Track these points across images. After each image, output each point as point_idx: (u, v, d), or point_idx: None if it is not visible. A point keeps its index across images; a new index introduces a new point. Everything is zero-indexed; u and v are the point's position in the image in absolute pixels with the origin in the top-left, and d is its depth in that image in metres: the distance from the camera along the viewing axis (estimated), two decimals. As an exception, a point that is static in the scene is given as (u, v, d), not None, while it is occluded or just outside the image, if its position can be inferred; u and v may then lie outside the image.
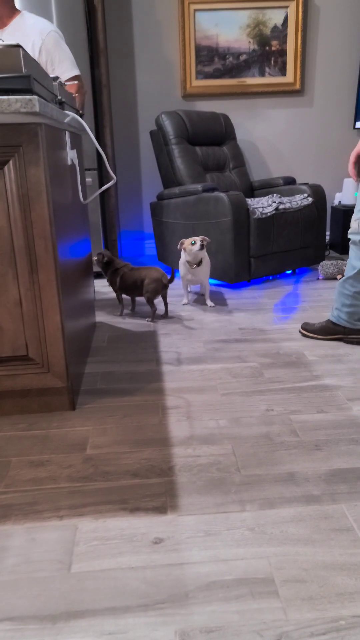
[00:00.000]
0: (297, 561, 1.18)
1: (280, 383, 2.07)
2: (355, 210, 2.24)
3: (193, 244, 2.86)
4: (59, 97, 1.67)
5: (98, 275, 3.77)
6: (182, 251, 2.96)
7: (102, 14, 3.38)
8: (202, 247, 2.83)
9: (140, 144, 4.28)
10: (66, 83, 2.61)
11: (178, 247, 2.97)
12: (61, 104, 1.73)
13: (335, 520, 1.31)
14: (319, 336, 2.48)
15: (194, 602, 1.08)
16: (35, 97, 1.15)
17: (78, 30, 3.18)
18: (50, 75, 2.53)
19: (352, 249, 2.29)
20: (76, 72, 2.64)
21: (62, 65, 2.60)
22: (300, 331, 2.57)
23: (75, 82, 2.66)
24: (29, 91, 1.26)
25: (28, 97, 1.16)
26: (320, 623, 1.03)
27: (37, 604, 1.08)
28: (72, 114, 1.79)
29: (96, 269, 3.61)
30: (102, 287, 3.54)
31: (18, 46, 1.21)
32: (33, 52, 2.50)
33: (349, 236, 2.30)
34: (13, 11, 2.49)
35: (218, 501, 1.39)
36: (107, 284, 3.13)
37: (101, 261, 2.89)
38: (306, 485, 1.45)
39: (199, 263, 2.95)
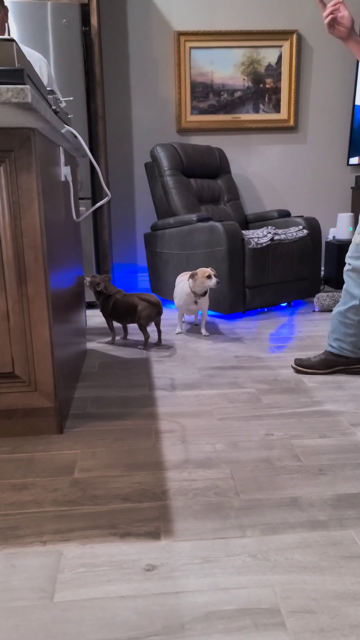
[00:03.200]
0: (305, 590, 1.06)
1: (279, 408, 1.98)
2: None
3: (209, 277, 2.79)
4: (54, 108, 1.64)
5: (90, 306, 3.69)
6: (187, 281, 2.89)
7: (99, 48, 3.42)
8: (218, 282, 2.77)
9: (134, 177, 4.29)
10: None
11: (188, 278, 2.88)
12: (56, 114, 1.69)
13: (345, 546, 1.20)
14: (318, 371, 2.34)
15: (191, 635, 0.96)
16: (27, 87, 1.11)
17: (75, 61, 3.20)
18: None
19: (350, 276, 2.21)
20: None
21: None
22: (294, 367, 2.37)
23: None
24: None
25: (20, 86, 1.11)
26: (334, 658, 0.91)
27: (14, 636, 0.96)
28: (67, 127, 1.75)
29: (89, 298, 3.54)
30: (94, 317, 3.46)
31: (12, 40, 1.17)
32: (41, 76, 2.56)
33: (347, 260, 2.22)
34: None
35: (216, 526, 1.28)
36: (100, 312, 3.05)
37: (94, 285, 2.80)
38: (311, 511, 1.34)
39: (204, 293, 2.89)
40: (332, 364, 2.33)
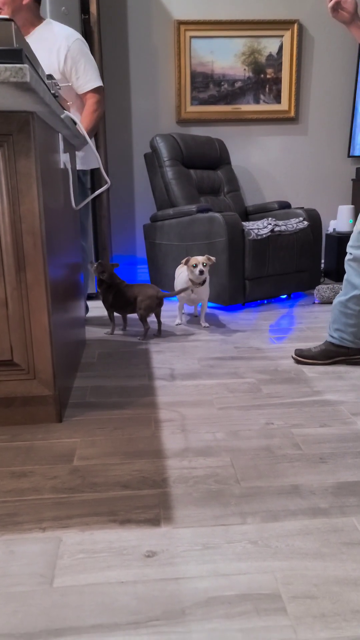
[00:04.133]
0: (306, 576, 1.06)
1: (279, 398, 1.97)
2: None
3: (195, 266, 2.77)
4: (52, 92, 1.62)
5: (90, 297, 3.68)
6: (185, 270, 2.87)
7: (98, 36, 3.40)
8: (201, 272, 2.75)
9: (134, 167, 4.26)
10: (87, 93, 2.58)
11: (182, 262, 2.87)
12: (55, 99, 1.67)
13: (346, 533, 1.19)
14: (318, 361, 2.33)
15: (192, 619, 0.95)
16: (26, 66, 1.09)
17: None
18: (74, 83, 2.47)
19: (352, 266, 2.19)
20: (100, 83, 2.60)
21: (87, 74, 2.54)
22: (294, 358, 2.36)
23: (97, 94, 2.59)
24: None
25: (18, 65, 1.09)
26: (336, 643, 0.90)
27: (13, 621, 0.95)
28: (67, 112, 1.73)
29: (91, 289, 3.52)
30: (93, 309, 3.44)
31: (10, 20, 1.16)
32: (58, 58, 2.46)
33: (348, 250, 2.21)
34: (38, 18, 2.48)
35: (217, 513, 1.27)
36: (100, 304, 3.03)
37: (99, 272, 2.76)
38: (312, 498, 1.33)
39: (203, 282, 2.87)
40: (332, 354, 2.32)
